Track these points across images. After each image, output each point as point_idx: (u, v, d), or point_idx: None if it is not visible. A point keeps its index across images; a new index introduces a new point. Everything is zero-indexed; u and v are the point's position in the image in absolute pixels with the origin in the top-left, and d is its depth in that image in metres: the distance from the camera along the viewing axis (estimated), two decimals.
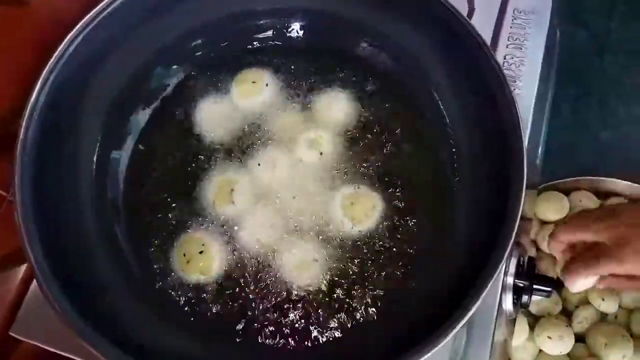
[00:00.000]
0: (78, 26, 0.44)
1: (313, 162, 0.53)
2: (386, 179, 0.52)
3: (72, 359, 0.52)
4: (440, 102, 0.54)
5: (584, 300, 0.78)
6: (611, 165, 0.85)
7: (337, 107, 0.55)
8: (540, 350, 0.77)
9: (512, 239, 0.41)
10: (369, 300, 0.48)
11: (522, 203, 0.42)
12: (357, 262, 0.50)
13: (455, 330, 0.38)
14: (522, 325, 0.75)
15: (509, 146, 0.46)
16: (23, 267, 0.56)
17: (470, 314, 0.38)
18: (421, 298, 0.47)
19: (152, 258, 0.50)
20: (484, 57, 0.48)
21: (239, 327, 0.47)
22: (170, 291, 0.49)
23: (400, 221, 0.51)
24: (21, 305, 0.55)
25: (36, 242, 0.41)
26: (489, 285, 0.39)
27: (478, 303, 0.39)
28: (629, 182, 0.80)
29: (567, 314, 0.79)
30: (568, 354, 0.76)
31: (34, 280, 0.55)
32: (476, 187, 0.50)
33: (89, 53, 0.46)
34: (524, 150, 0.44)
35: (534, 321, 0.78)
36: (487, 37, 0.58)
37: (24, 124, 0.43)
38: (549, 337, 0.74)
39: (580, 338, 0.77)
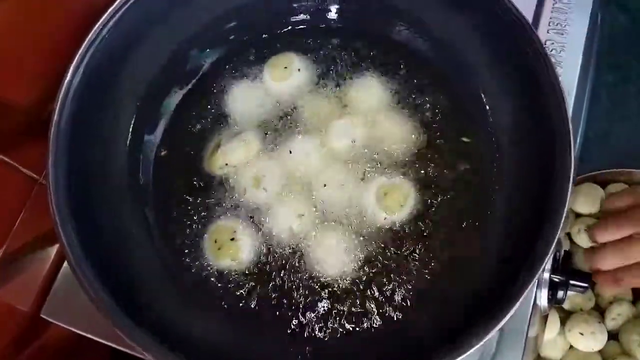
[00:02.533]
0: (112, 8, 0.43)
1: (345, 150, 0.52)
2: (421, 167, 0.51)
3: (101, 342, 0.53)
4: (479, 88, 0.52)
5: (618, 296, 0.76)
6: None
7: (370, 92, 0.53)
8: (571, 346, 0.75)
9: (558, 233, 0.39)
10: (403, 291, 0.47)
11: (569, 194, 0.40)
12: (390, 252, 0.49)
13: (496, 328, 0.37)
14: (553, 320, 0.73)
15: (553, 134, 0.44)
16: (54, 250, 0.56)
17: (514, 309, 0.37)
18: (459, 291, 0.46)
19: (183, 244, 0.49)
20: (527, 40, 0.46)
21: (269, 314, 0.47)
22: (201, 277, 0.48)
23: (436, 212, 0.49)
24: (52, 288, 0.55)
25: (68, 225, 0.40)
26: (532, 282, 0.38)
27: (521, 299, 0.37)
28: None
29: (599, 310, 0.77)
30: (600, 351, 0.74)
31: (65, 263, 0.55)
32: (518, 177, 0.48)
33: (123, 35, 0.45)
34: (571, 136, 0.42)
35: (565, 316, 0.76)
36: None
37: (58, 105, 0.43)
38: (581, 333, 0.72)
39: (613, 335, 0.75)
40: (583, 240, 0.77)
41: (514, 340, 0.52)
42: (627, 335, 0.72)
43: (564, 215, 0.41)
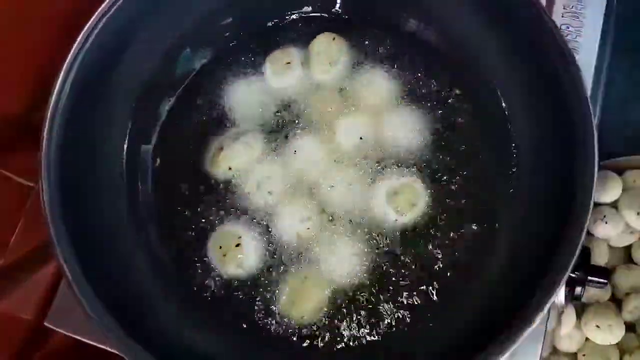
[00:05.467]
0: (100, 9, 0.41)
1: (353, 148, 0.49)
2: (434, 165, 0.48)
3: (106, 350, 0.52)
4: (492, 80, 0.49)
5: (636, 287, 0.73)
6: None
7: (378, 87, 0.51)
8: (587, 339, 0.73)
9: (582, 238, 0.37)
10: (417, 298, 0.45)
11: (592, 196, 0.38)
12: (402, 256, 0.47)
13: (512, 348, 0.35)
14: (569, 313, 0.71)
15: (574, 129, 0.41)
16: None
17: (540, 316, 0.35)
18: (478, 295, 0.44)
19: (186, 253, 0.48)
20: (543, 27, 0.43)
21: (276, 325, 0.45)
22: (205, 287, 0.47)
23: (451, 212, 0.47)
24: (55, 296, 0.54)
25: (65, 240, 0.38)
26: (560, 285, 0.36)
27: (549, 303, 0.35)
28: None
29: (617, 302, 0.75)
30: (617, 344, 0.72)
31: None
32: (536, 174, 0.46)
33: (114, 37, 0.43)
34: (595, 135, 0.40)
35: (581, 309, 0.74)
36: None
37: (49, 113, 0.41)
38: (598, 326, 0.70)
39: (631, 327, 0.73)
40: (600, 232, 0.75)
41: (531, 339, 0.50)
42: None
43: (589, 215, 0.39)
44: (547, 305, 0.35)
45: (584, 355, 0.72)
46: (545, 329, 0.50)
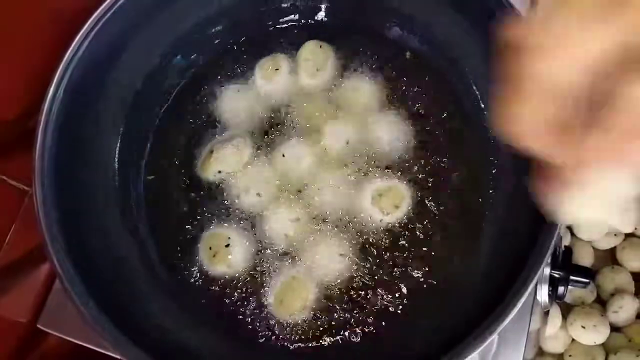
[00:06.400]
0: (94, 16, 0.42)
1: (339, 152, 0.51)
2: (417, 168, 0.50)
3: (99, 352, 0.52)
4: (474, 86, 0.51)
5: (620, 288, 0.75)
6: None
7: (363, 92, 0.52)
8: (573, 340, 0.74)
9: (557, 230, 0.38)
10: (403, 294, 0.46)
11: None
12: (388, 255, 0.48)
13: (499, 328, 0.36)
14: (555, 314, 0.72)
15: None
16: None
17: (516, 308, 0.36)
18: (459, 292, 0.45)
19: (177, 253, 0.49)
20: None
21: (265, 323, 0.46)
22: (195, 286, 0.48)
23: (432, 212, 0.48)
24: (48, 298, 0.55)
25: (58, 243, 0.39)
26: (534, 280, 0.37)
27: (526, 294, 0.37)
28: None
29: (601, 303, 0.76)
30: (603, 344, 0.73)
31: None
32: (515, 175, 0.47)
33: (107, 44, 0.44)
34: None
35: (567, 310, 0.75)
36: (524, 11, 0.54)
37: (42, 119, 0.42)
38: (583, 327, 0.71)
39: (616, 327, 0.74)
40: (585, 234, 0.76)
41: (515, 338, 0.51)
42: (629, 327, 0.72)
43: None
44: (524, 297, 0.37)
45: (570, 355, 0.73)
46: (527, 330, 0.51)
